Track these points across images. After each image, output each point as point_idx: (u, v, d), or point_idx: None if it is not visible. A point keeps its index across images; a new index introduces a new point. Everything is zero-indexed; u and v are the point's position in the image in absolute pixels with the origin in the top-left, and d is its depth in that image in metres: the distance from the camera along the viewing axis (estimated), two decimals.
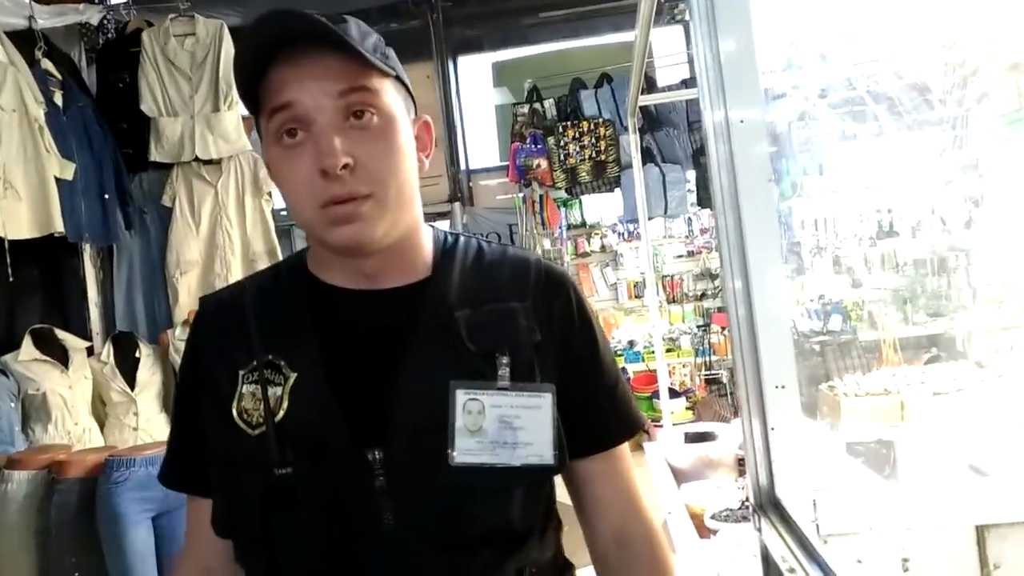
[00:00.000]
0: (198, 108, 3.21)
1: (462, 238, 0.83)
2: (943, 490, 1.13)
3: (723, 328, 5.30)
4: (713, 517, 1.68)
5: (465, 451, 0.70)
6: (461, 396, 0.71)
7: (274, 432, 0.70)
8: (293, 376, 0.72)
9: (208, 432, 0.75)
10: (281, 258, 3.34)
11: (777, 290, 1.06)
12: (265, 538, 0.72)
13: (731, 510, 1.72)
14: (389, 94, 0.72)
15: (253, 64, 0.70)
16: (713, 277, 5.89)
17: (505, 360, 0.73)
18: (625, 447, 0.83)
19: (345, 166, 0.68)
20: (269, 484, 0.70)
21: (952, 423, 1.77)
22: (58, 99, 2.92)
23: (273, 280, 0.81)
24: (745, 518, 1.65)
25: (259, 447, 0.71)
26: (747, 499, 1.12)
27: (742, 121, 1.06)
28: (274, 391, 0.72)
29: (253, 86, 0.71)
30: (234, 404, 0.73)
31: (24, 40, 2.90)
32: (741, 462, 2.02)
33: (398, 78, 0.75)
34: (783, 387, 1.05)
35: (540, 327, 0.77)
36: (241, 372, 0.74)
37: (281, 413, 0.71)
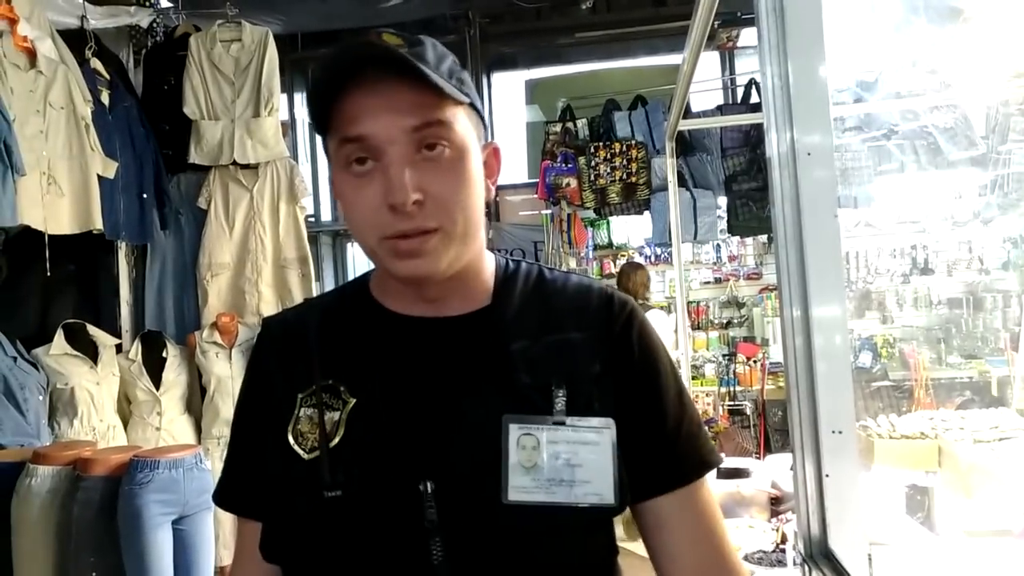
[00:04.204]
0: (239, 113, 3.24)
1: (524, 264, 0.81)
2: (1004, 552, 1.08)
3: (748, 358, 5.21)
4: (746, 558, 1.63)
5: (519, 489, 0.67)
6: (515, 431, 0.69)
7: (328, 457, 0.69)
8: (352, 401, 0.71)
9: (265, 454, 0.74)
10: (312, 265, 3.39)
11: (838, 327, 1.02)
12: (311, 564, 0.70)
13: (764, 552, 1.66)
14: (462, 123, 0.70)
15: (328, 87, 0.67)
16: (740, 305, 5.81)
17: (561, 393, 0.70)
18: (704, 488, 0.77)
19: (415, 202, 0.67)
20: (318, 507, 0.68)
21: (997, 475, 1.71)
22: (105, 98, 2.96)
23: (337, 303, 0.81)
24: (780, 562, 1.59)
25: (311, 471, 0.69)
26: (795, 544, 1.08)
27: (809, 154, 1.04)
28: (331, 416, 0.71)
29: (326, 108, 0.69)
30: (290, 427, 0.72)
31: (75, 39, 2.95)
32: (774, 501, 1.96)
33: (471, 104, 0.72)
34: (840, 432, 1.02)
35: (600, 358, 0.74)
36: (300, 395, 0.73)
37: (337, 439, 0.70)
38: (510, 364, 0.71)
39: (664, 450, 0.76)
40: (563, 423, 0.69)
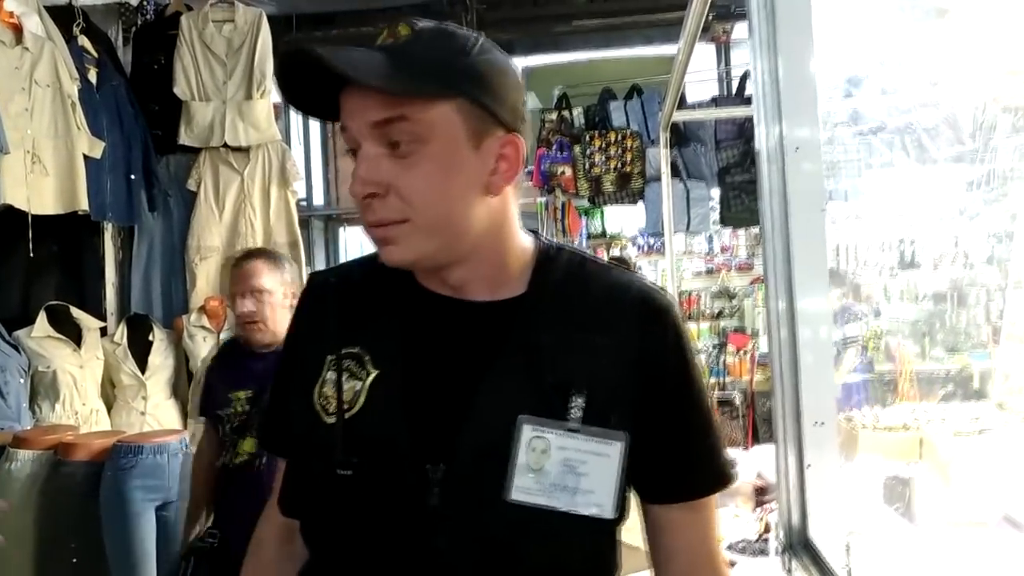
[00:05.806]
0: (231, 94, 3.20)
1: (566, 252, 0.78)
2: (980, 542, 1.09)
3: (739, 348, 5.23)
4: (730, 547, 1.65)
5: (522, 489, 0.68)
6: (528, 432, 0.69)
7: (343, 428, 0.71)
8: (375, 372, 0.72)
9: (292, 407, 0.77)
10: (303, 251, 3.37)
11: (822, 320, 1.03)
12: (322, 528, 0.73)
13: (748, 541, 1.68)
14: (439, 119, 0.68)
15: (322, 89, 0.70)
16: (731, 296, 5.83)
17: (580, 400, 0.69)
18: (714, 498, 0.78)
19: (372, 195, 0.68)
20: (329, 481, 0.70)
21: (975, 466, 1.72)
22: (92, 76, 2.92)
23: (378, 269, 0.78)
24: (763, 551, 1.61)
25: (328, 439, 0.71)
26: (776, 534, 1.08)
27: (797, 148, 1.04)
28: (353, 384, 0.72)
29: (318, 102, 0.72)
30: (316, 388, 0.74)
31: (63, 16, 2.91)
32: (759, 491, 1.98)
33: (474, 98, 0.69)
34: (822, 424, 1.02)
35: (626, 363, 0.72)
36: (329, 357, 0.74)
37: (356, 408, 0.71)
38: (534, 360, 0.71)
39: (686, 462, 0.76)
40: (577, 431, 0.69)
